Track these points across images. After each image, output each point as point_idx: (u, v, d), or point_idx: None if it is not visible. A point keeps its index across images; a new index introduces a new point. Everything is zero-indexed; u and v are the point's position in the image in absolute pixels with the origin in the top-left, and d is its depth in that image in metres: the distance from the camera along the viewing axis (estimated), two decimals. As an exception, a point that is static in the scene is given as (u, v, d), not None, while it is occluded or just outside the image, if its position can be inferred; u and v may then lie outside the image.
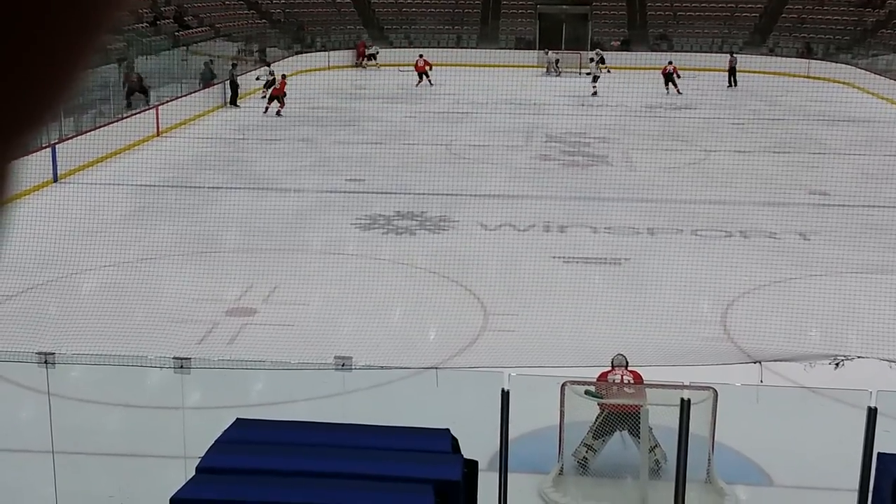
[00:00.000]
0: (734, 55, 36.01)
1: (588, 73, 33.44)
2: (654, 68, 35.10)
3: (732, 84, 34.70)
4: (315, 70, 36.92)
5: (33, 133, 0.54)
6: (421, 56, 35.67)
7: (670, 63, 33.72)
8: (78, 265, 13.47)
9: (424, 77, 34.44)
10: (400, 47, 40.75)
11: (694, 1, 42.92)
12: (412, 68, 35.02)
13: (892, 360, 9.78)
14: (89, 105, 21.72)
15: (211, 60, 29.76)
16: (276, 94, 27.95)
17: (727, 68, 35.03)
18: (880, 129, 25.60)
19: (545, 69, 38.77)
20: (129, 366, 8.88)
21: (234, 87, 28.98)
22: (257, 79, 30.55)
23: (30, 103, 0.52)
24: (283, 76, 28.81)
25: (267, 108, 27.62)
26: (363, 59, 39.64)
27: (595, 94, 32.00)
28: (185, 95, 27.34)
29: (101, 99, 22.85)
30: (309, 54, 38.94)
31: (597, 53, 35.89)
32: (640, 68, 36.00)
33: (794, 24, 41.09)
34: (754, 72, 35.54)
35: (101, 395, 9.71)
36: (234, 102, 28.88)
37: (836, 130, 25.20)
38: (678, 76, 33.03)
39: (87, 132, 21.00)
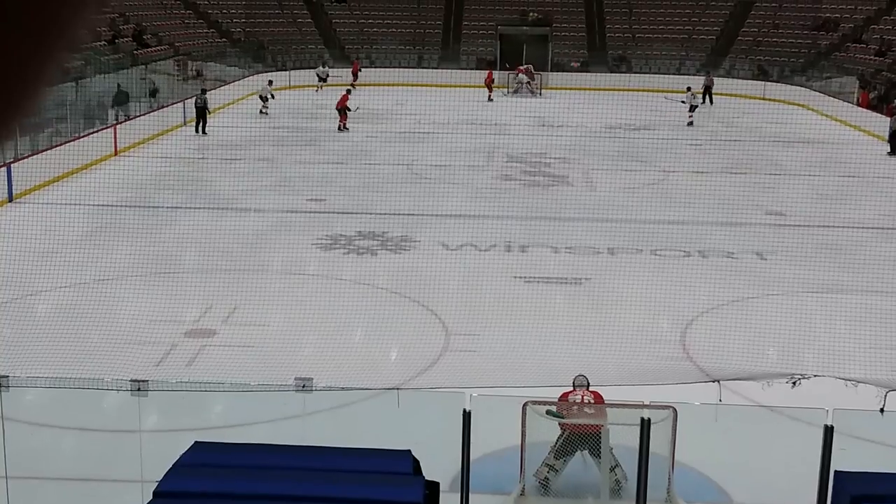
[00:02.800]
0: (710, 75, 36.84)
1: (683, 102, 31.64)
2: (613, 89, 35.54)
3: (708, 102, 35.25)
4: (276, 90, 36.79)
5: None
6: (491, 71, 37.51)
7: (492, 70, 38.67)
8: (33, 286, 13.28)
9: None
10: (364, 68, 40.79)
11: (652, 23, 43.51)
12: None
13: (848, 379, 9.91)
14: (46, 124, 21.48)
15: (203, 91, 28.63)
16: (339, 106, 28.36)
17: (702, 88, 35.55)
18: (834, 151, 26.05)
19: (514, 90, 38.99)
20: (86, 388, 8.75)
21: (203, 113, 27.59)
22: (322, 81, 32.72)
23: None
24: (348, 90, 29.60)
25: (341, 126, 28.27)
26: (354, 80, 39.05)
27: (691, 123, 30.77)
28: (144, 115, 27.12)
29: (58, 118, 22.60)
30: (270, 73, 38.84)
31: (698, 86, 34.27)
32: (599, 89, 36.42)
33: (750, 46, 41.79)
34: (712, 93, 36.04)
35: (56, 419, 9.55)
36: (203, 130, 27.51)
37: (791, 152, 25.62)
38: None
39: (43, 151, 20.75)
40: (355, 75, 39.38)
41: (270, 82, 33.33)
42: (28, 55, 0.51)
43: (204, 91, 28.41)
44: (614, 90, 36.21)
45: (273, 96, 31.93)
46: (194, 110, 27.87)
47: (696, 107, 31.55)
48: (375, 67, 39.73)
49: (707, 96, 35.45)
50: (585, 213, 18.55)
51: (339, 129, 28.17)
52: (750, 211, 18.91)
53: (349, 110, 28.29)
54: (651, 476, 7.17)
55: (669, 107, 34.16)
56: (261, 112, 31.36)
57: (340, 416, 9.37)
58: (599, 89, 36.67)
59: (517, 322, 12.31)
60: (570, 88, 37.61)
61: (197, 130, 27.58)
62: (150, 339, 11.62)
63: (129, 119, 26.27)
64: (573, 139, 27.56)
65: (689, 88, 32.33)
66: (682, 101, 31.70)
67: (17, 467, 7.84)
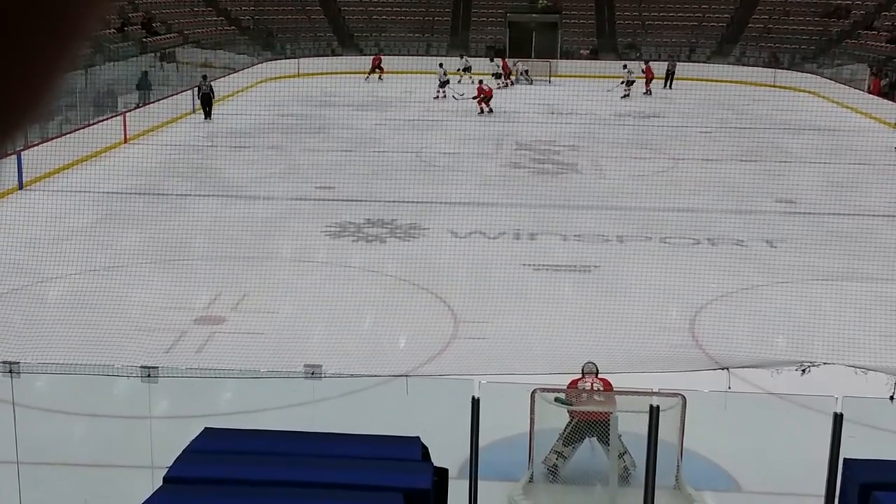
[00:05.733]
0: (674, 59, 37.82)
1: (623, 82, 34.10)
2: (623, 77, 35.37)
3: (668, 87, 35.88)
4: (284, 77, 36.84)
5: (8, 137, 0.53)
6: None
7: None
8: (44, 273, 13.32)
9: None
10: (370, 55, 40.74)
11: (662, 10, 43.30)
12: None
13: (857, 367, 9.89)
14: (55, 111, 21.50)
15: (205, 77, 28.64)
16: (488, 94, 29.27)
17: (665, 72, 36.65)
18: (845, 138, 25.92)
19: (514, 77, 38.87)
20: (96, 375, 8.79)
21: (208, 99, 27.76)
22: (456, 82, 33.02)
23: (4, 109, 0.52)
24: (481, 81, 30.22)
25: (482, 110, 29.29)
26: (378, 72, 38.19)
27: (625, 96, 33.43)
28: (153, 102, 27.15)
29: (68, 105, 22.64)
30: (278, 61, 38.84)
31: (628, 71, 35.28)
32: (608, 76, 36.25)
33: (761, 33, 41.56)
34: (721, 81, 35.89)
35: (67, 405, 9.60)
36: (208, 115, 27.71)
37: (801, 139, 25.50)
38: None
39: (53, 139, 20.78)
40: (506, 71, 38.39)
41: (441, 65, 34.05)
42: (42, 47, 0.51)
43: (205, 77, 28.46)
44: (624, 77, 36.01)
45: (448, 82, 32.63)
46: (200, 97, 27.94)
47: (633, 83, 33.81)
48: (384, 55, 39.61)
49: (668, 81, 35.89)
50: (594, 200, 18.51)
51: (490, 111, 29.30)
52: (760, 198, 18.85)
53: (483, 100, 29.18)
54: (660, 463, 7.16)
55: (679, 94, 34.07)
56: (437, 97, 32.12)
57: (349, 403, 9.39)
58: (609, 77, 36.51)
59: (526, 309, 12.31)
60: (580, 76, 37.48)
61: (206, 116, 27.70)
62: (160, 326, 11.66)
63: (139, 107, 26.34)
64: (582, 127, 27.49)
65: (625, 66, 34.80)
66: (622, 82, 33.97)
67: (28, 453, 7.89)
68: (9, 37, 0.49)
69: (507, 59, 39.38)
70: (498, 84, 35.80)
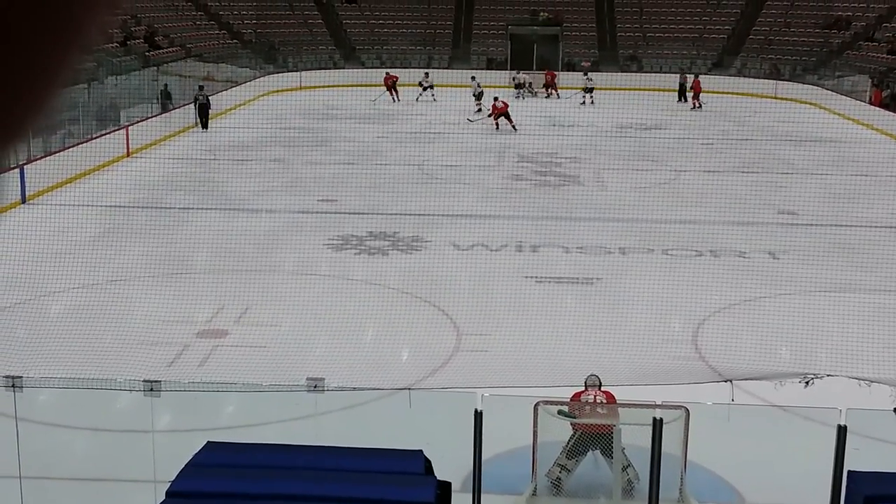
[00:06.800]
0: (684, 73, 37.39)
1: (583, 89, 35.19)
2: (624, 89, 35.54)
3: (684, 100, 35.51)
4: (287, 90, 36.92)
5: (9, 146, 0.53)
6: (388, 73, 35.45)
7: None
8: (46, 287, 13.33)
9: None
10: (371, 68, 40.84)
11: (663, 23, 43.40)
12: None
13: (861, 378, 9.87)
14: (58, 125, 21.56)
15: (201, 87, 29.00)
16: (502, 111, 28.63)
17: (678, 86, 36.26)
18: (846, 149, 25.94)
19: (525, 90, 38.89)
20: (99, 389, 8.78)
21: (205, 110, 28.12)
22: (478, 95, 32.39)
23: (5, 116, 0.52)
24: (496, 98, 29.41)
25: (497, 125, 28.54)
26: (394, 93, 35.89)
27: (583, 103, 34.66)
28: (156, 116, 27.23)
29: (71, 119, 22.70)
30: (280, 74, 38.94)
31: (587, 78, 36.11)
32: (610, 88, 36.35)
33: (762, 45, 41.64)
34: (723, 92, 35.94)
35: (69, 419, 9.59)
36: (204, 125, 28.08)
37: (803, 150, 25.52)
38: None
39: (55, 153, 20.83)
40: (553, 85, 38.06)
41: (473, 77, 33.86)
42: (45, 55, 0.52)
43: (202, 88, 28.62)
44: (625, 90, 36.14)
45: (483, 94, 32.05)
46: (196, 108, 28.14)
47: (592, 90, 35.07)
48: (386, 68, 39.72)
49: (682, 95, 35.61)
50: (597, 212, 18.52)
51: (514, 128, 28.62)
52: (762, 210, 18.85)
53: (498, 116, 28.64)
54: (663, 476, 7.15)
55: (681, 106, 34.09)
56: (478, 111, 31.16)
57: (352, 416, 9.38)
58: (610, 89, 36.60)
59: (529, 322, 12.30)
60: (581, 88, 37.51)
61: (203, 126, 27.92)
62: (162, 340, 11.65)
63: (156, 116, 26.57)
64: (584, 139, 27.52)
65: (586, 73, 36.02)
66: (583, 90, 35.17)
67: (31, 467, 7.88)
68: (10, 44, 0.50)
69: (552, 72, 39.04)
70: (518, 94, 35.65)
